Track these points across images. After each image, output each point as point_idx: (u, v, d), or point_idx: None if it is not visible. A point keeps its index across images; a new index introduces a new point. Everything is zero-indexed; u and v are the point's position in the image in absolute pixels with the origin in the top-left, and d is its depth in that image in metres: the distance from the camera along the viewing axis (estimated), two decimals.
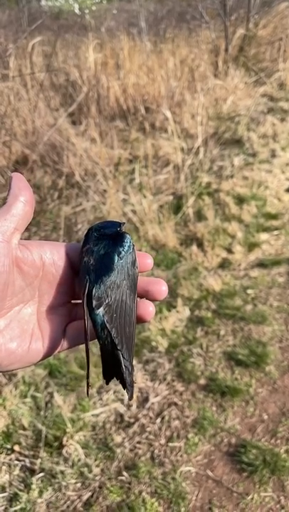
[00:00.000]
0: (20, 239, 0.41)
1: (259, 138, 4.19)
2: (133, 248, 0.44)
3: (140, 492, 1.55)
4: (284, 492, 1.52)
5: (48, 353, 0.43)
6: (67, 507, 1.51)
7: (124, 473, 1.60)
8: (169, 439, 1.72)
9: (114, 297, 0.42)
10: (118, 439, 1.72)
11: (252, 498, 1.51)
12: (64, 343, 0.44)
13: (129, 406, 1.85)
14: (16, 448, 1.68)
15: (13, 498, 1.54)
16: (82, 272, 0.42)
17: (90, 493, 1.55)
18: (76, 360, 2.04)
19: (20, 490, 1.56)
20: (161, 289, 0.45)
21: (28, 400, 1.85)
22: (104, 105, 4.24)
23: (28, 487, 1.56)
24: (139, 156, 3.68)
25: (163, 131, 4.14)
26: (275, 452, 1.63)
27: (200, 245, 2.84)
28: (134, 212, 2.99)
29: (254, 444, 1.67)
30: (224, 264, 2.72)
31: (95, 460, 1.65)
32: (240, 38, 5.70)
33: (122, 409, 1.83)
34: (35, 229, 3.02)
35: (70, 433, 1.70)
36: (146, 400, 1.87)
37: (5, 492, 1.56)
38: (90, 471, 1.61)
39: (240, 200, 3.30)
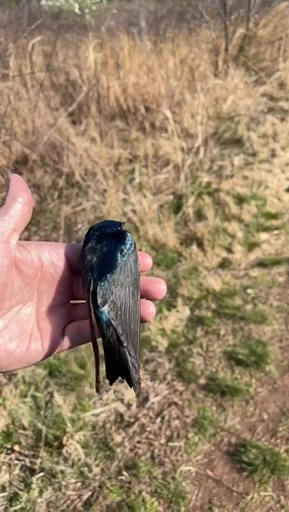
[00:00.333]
0: (20, 239, 0.41)
1: (259, 137, 4.19)
2: (135, 246, 0.45)
3: (140, 492, 1.55)
4: (284, 491, 1.53)
5: (47, 354, 0.43)
6: (67, 506, 1.51)
7: (124, 472, 1.61)
8: (169, 439, 1.72)
9: (119, 294, 0.42)
10: (118, 438, 1.72)
11: (252, 498, 1.51)
12: (63, 344, 0.44)
13: (129, 406, 1.85)
14: (16, 448, 1.68)
15: (13, 498, 1.54)
16: (85, 270, 0.42)
17: (90, 493, 1.55)
18: (76, 360, 2.04)
19: (21, 489, 1.56)
20: (160, 289, 0.45)
21: (28, 399, 1.85)
22: (104, 105, 4.24)
23: (28, 487, 1.56)
24: (139, 156, 3.68)
25: (163, 130, 4.14)
26: (275, 452, 1.63)
27: (200, 245, 2.84)
28: (134, 211, 2.99)
29: (254, 443, 1.67)
30: (224, 264, 2.72)
31: (95, 460, 1.65)
32: (240, 38, 5.70)
33: (122, 408, 1.83)
34: (35, 228, 3.02)
35: (70, 433, 1.70)
36: (146, 399, 1.87)
37: (5, 492, 1.56)
38: (90, 471, 1.61)
39: (240, 200, 3.30)
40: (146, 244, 2.83)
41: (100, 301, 0.41)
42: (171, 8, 7.94)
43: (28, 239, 2.90)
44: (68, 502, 1.53)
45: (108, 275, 0.42)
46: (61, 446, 1.68)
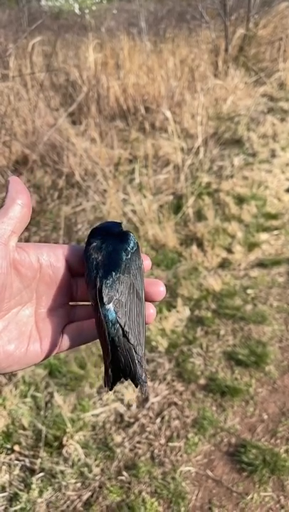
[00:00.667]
0: (19, 240, 0.41)
1: (259, 138, 4.19)
2: (138, 245, 0.45)
3: (140, 492, 1.55)
4: (284, 492, 1.53)
5: (47, 355, 0.43)
6: (67, 507, 1.52)
7: (124, 473, 1.61)
8: (169, 439, 1.72)
9: (124, 292, 0.42)
10: (118, 438, 1.72)
11: (252, 498, 1.51)
12: (62, 345, 0.44)
13: (129, 406, 1.85)
14: (16, 448, 1.68)
15: (13, 498, 1.54)
16: (89, 268, 0.43)
17: (89, 493, 1.55)
18: (76, 360, 2.04)
19: (20, 490, 1.56)
20: (160, 290, 0.45)
21: (28, 399, 1.85)
22: (104, 105, 4.24)
23: (28, 487, 1.57)
24: (139, 156, 3.69)
25: (163, 131, 4.15)
26: (275, 452, 1.64)
27: (200, 245, 2.84)
28: (134, 212, 2.99)
29: (254, 443, 1.68)
30: (224, 264, 2.72)
31: (95, 460, 1.65)
32: (240, 38, 5.70)
33: (122, 409, 1.83)
34: (35, 229, 3.02)
35: (70, 433, 1.70)
36: (146, 399, 1.87)
37: (5, 492, 1.57)
38: (90, 471, 1.61)
39: (240, 200, 3.30)
40: (146, 244, 2.84)
41: (105, 299, 0.41)
42: (171, 9, 7.94)
43: (28, 239, 2.90)
44: (68, 502, 1.53)
45: (113, 273, 0.42)
46: (61, 446, 1.68)
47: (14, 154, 3.38)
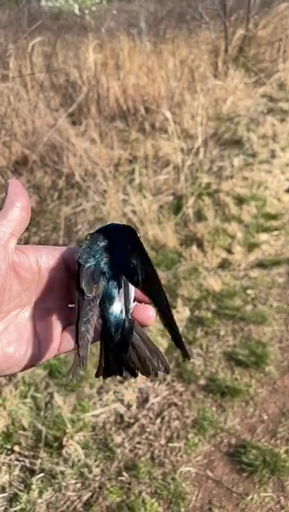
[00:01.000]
0: (18, 243, 0.41)
1: (259, 138, 4.19)
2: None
3: (140, 492, 1.55)
4: (284, 492, 1.53)
5: (46, 357, 0.43)
6: (67, 507, 1.52)
7: (124, 473, 1.61)
8: (169, 440, 1.72)
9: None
10: (118, 439, 1.72)
11: (252, 499, 1.51)
12: (62, 347, 0.44)
13: (129, 406, 1.85)
14: (16, 448, 1.68)
15: (13, 499, 1.54)
16: (92, 268, 0.43)
17: (89, 494, 1.55)
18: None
19: (20, 490, 1.56)
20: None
21: (28, 400, 1.86)
22: (104, 105, 4.24)
23: (28, 487, 1.57)
24: (139, 157, 3.69)
25: (163, 131, 4.15)
26: (275, 452, 1.64)
27: (200, 245, 2.84)
28: (134, 212, 2.99)
29: (254, 444, 1.68)
30: (224, 265, 2.72)
31: (95, 460, 1.65)
32: (240, 39, 5.70)
33: (122, 409, 1.83)
34: (35, 229, 3.03)
35: (70, 433, 1.71)
36: (146, 400, 1.88)
37: (5, 492, 1.57)
38: (90, 472, 1.61)
39: (240, 201, 3.30)
40: (146, 244, 2.84)
41: (108, 299, 0.41)
42: (171, 9, 7.95)
43: (28, 239, 2.90)
44: (68, 503, 1.53)
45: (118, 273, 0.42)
46: (61, 446, 1.68)
47: (14, 155, 3.38)
